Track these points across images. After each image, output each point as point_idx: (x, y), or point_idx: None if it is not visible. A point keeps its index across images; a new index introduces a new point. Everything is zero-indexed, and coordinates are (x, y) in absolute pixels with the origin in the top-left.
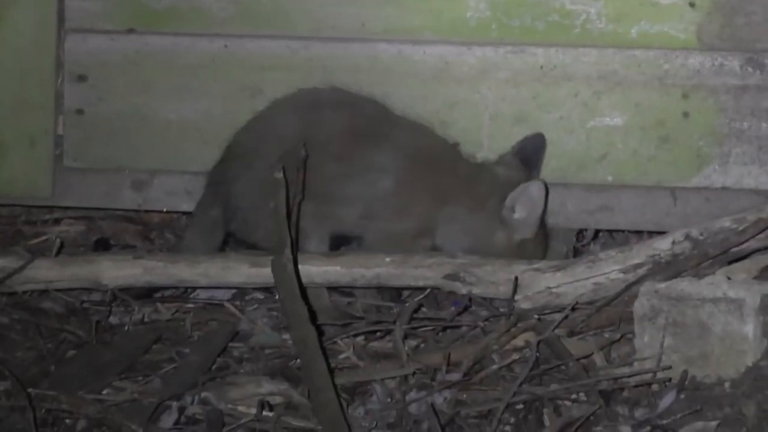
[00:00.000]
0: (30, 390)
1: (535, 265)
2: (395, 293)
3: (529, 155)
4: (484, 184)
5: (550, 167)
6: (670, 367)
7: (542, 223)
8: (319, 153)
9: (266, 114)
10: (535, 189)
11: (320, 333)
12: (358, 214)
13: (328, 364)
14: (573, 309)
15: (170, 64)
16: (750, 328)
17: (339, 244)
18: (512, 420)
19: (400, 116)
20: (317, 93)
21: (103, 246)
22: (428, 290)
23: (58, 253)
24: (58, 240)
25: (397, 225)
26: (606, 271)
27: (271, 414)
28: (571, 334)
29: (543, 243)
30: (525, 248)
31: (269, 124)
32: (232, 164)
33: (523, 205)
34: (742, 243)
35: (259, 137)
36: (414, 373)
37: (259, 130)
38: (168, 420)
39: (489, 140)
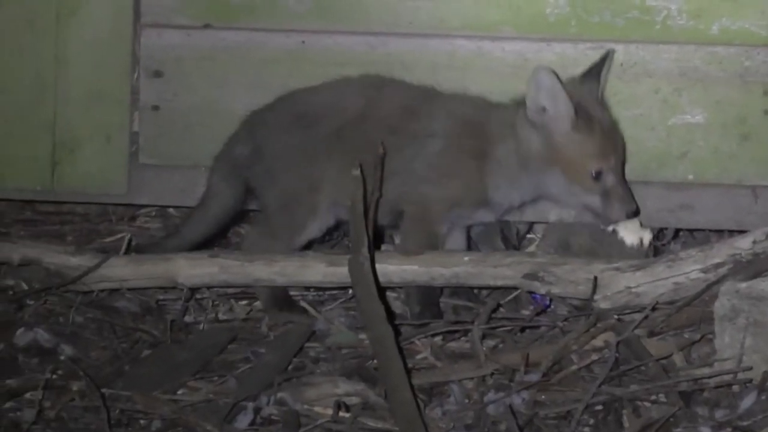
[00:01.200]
0: (104, 390)
1: (615, 265)
2: (471, 292)
3: (592, 68)
4: (509, 110)
5: (629, 165)
6: (750, 368)
7: (582, 108)
8: (376, 127)
9: (332, 85)
10: (541, 75)
11: (397, 333)
12: (403, 183)
13: (405, 365)
14: (653, 309)
15: (246, 60)
16: None
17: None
18: (591, 421)
19: (448, 92)
20: (379, 77)
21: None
22: (516, 293)
23: (128, 249)
24: (128, 236)
25: (438, 191)
26: (686, 270)
27: (347, 415)
28: (651, 334)
29: (596, 128)
30: (573, 141)
31: (332, 94)
32: (281, 114)
33: (542, 97)
34: None
35: (320, 102)
36: (492, 374)
37: (322, 97)
38: (243, 420)
39: None
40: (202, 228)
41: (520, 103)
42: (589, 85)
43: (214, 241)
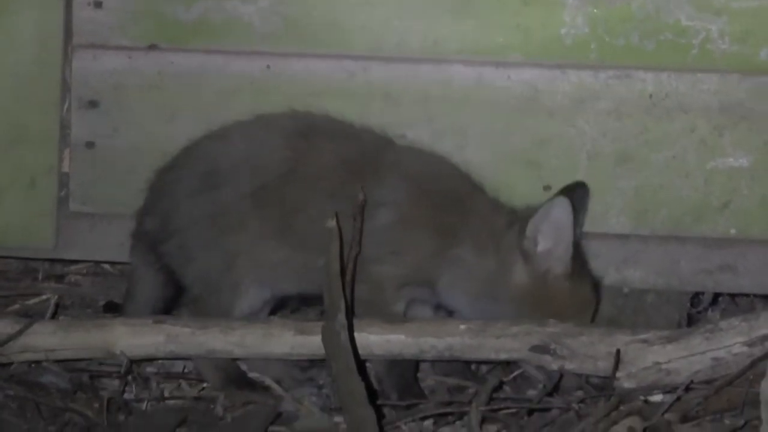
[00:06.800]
0: None
1: (642, 336)
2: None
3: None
4: (499, 218)
5: (660, 217)
6: None
7: (578, 254)
8: (308, 189)
9: (246, 130)
10: (559, 208)
11: (380, 415)
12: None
13: None
14: (687, 389)
15: (200, 89)
16: None
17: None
18: None
19: (404, 145)
20: (308, 118)
21: (113, 309)
22: (520, 371)
23: (54, 315)
24: (55, 297)
25: (387, 268)
26: (727, 343)
27: None
28: (684, 419)
29: (587, 282)
30: (560, 289)
31: (249, 143)
32: (184, 172)
33: (548, 231)
34: None
35: (231, 155)
36: None
37: (233, 147)
38: None
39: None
40: None
41: (512, 221)
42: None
43: None
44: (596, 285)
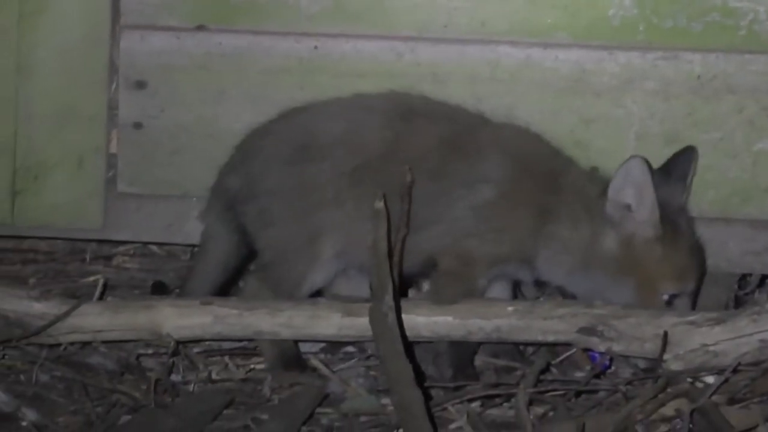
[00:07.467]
0: None
1: (689, 318)
2: (515, 350)
3: (676, 166)
4: (592, 188)
5: (707, 199)
6: None
7: (676, 217)
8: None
9: (347, 108)
10: (634, 168)
11: (427, 397)
12: (442, 235)
13: None
14: (734, 371)
15: (247, 69)
16: None
17: None
18: None
19: (499, 122)
20: (406, 99)
21: (161, 291)
22: (571, 351)
23: (102, 296)
24: (102, 278)
25: (485, 245)
26: None
27: None
28: (732, 401)
29: (684, 246)
30: (652, 254)
31: (349, 122)
32: (279, 141)
33: (628, 193)
34: None
35: (331, 132)
36: None
37: (334, 124)
38: None
39: None
40: (209, 282)
41: (603, 191)
42: (675, 186)
43: (228, 289)
44: (698, 250)
